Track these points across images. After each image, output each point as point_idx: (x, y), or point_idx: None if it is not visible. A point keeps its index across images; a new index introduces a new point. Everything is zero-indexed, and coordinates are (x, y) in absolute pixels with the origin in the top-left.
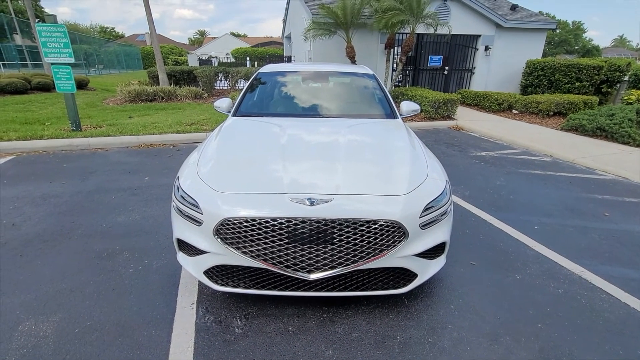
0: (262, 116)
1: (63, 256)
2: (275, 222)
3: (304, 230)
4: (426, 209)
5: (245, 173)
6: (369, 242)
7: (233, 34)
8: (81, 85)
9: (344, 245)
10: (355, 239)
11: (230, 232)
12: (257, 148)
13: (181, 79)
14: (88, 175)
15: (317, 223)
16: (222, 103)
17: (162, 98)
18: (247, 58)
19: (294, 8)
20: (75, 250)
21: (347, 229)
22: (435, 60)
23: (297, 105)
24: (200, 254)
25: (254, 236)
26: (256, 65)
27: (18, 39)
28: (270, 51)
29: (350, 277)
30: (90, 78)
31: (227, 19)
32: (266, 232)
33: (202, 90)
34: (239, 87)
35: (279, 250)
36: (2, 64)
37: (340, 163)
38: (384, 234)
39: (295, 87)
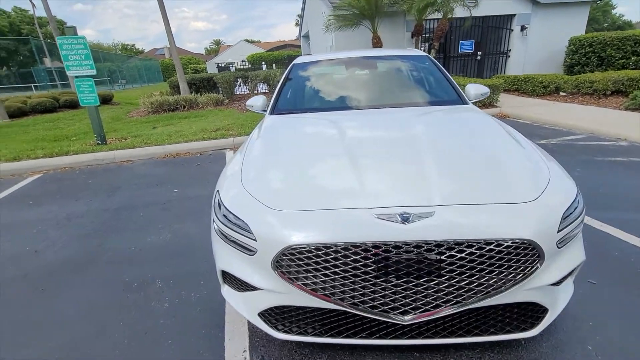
0: (305, 112)
1: (88, 289)
2: (358, 249)
3: (398, 259)
4: (563, 219)
5: (307, 183)
6: (491, 272)
7: (247, 40)
8: (106, 100)
9: (455, 277)
10: (472, 268)
11: (295, 263)
12: (313, 150)
13: (201, 87)
14: (114, 190)
15: (416, 248)
16: (256, 101)
17: (184, 107)
18: (263, 62)
19: (311, 5)
20: (102, 281)
21: (459, 255)
22: (466, 46)
23: (345, 97)
24: (254, 289)
25: (328, 268)
26: (274, 67)
27: (47, 62)
28: (285, 54)
29: (458, 317)
30: (114, 93)
31: (240, 28)
32: (345, 263)
33: (223, 96)
34: (259, 91)
35: (363, 287)
36: (34, 85)
37: (430, 163)
38: (512, 259)
39: (339, 76)
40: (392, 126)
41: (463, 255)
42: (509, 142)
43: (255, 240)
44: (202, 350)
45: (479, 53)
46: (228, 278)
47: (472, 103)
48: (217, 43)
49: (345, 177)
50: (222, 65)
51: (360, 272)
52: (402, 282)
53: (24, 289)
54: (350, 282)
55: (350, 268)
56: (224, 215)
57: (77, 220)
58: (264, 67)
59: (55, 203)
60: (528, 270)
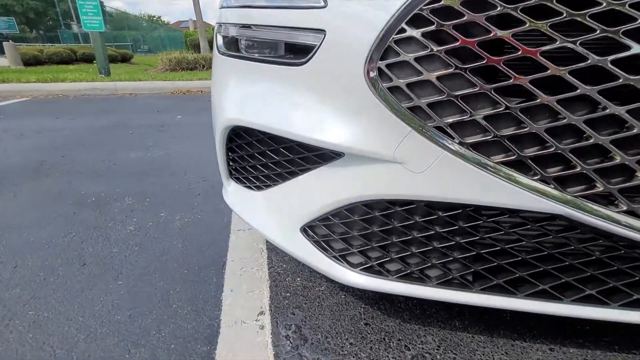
0: None
1: (19, 200)
2: None
3: None
4: None
5: None
6: None
7: None
8: (125, 59)
9: None
10: None
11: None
12: None
13: None
14: (106, 113)
15: None
16: None
17: (203, 66)
18: None
19: None
20: (45, 192)
21: None
22: None
23: None
24: (299, 172)
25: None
26: None
27: (75, 27)
28: None
29: None
30: (135, 57)
31: None
32: None
33: None
34: None
35: None
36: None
37: None
38: None
39: None
40: None
41: None
42: None
43: (323, 4)
44: (181, 310)
45: None
46: (240, 158)
47: None
48: None
49: None
50: None
51: None
52: None
53: None
54: None
55: None
56: None
57: (49, 133)
58: None
59: (31, 119)
60: None
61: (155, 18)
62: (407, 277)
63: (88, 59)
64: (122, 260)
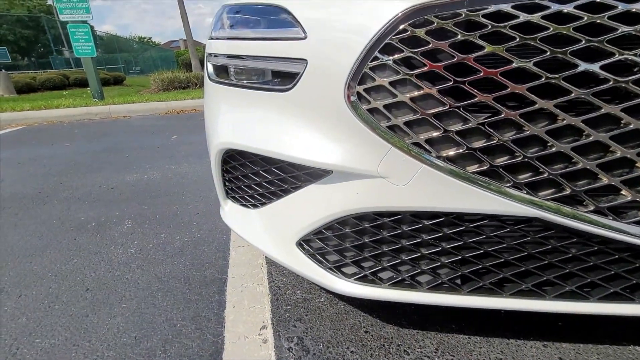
0: None
1: (20, 229)
2: None
3: None
4: None
5: None
6: None
7: None
8: (117, 81)
9: None
10: None
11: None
12: None
13: None
14: (101, 137)
15: None
16: None
17: (196, 84)
18: None
19: None
20: (46, 220)
21: None
22: None
23: None
24: (292, 189)
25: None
26: None
27: (66, 52)
28: None
29: None
30: (128, 79)
31: None
32: None
33: None
34: None
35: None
36: (49, 71)
37: None
38: None
39: None
40: None
41: None
42: None
43: (304, 36)
44: (185, 328)
45: None
46: (235, 178)
47: None
48: None
49: None
50: None
51: None
52: None
53: None
54: None
55: None
56: (231, 22)
57: (44, 160)
58: None
59: (26, 147)
60: None
61: (145, 39)
62: (399, 284)
63: (81, 84)
64: (125, 283)
